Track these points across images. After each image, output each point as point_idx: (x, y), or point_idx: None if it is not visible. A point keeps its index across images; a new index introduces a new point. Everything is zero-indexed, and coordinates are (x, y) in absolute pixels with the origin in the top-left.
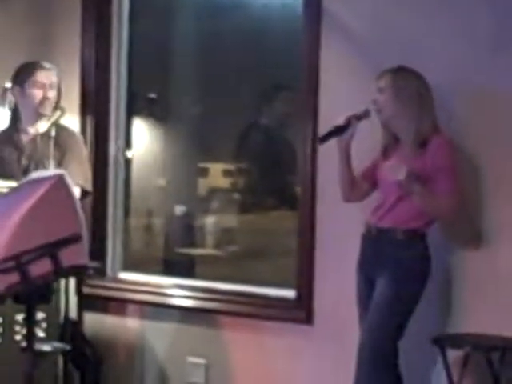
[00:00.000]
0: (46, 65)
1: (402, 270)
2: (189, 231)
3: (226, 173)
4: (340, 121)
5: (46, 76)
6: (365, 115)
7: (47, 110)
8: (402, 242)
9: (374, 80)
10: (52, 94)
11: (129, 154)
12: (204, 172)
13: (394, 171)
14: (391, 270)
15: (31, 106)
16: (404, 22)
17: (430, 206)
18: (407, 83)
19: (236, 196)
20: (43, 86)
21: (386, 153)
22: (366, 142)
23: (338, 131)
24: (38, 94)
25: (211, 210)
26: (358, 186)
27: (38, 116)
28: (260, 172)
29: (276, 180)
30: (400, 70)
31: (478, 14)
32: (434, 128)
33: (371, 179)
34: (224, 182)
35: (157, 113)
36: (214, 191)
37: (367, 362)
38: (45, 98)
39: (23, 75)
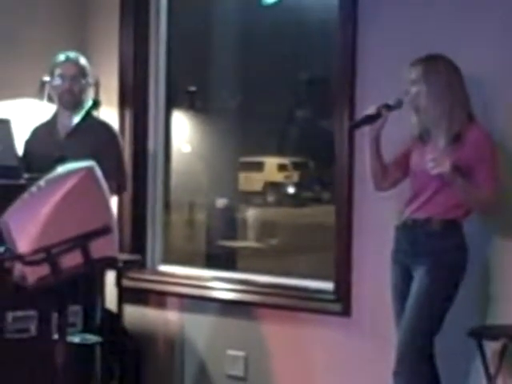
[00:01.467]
0: (69, 55)
1: (438, 261)
2: (230, 224)
3: (281, 167)
4: (371, 110)
5: (66, 67)
6: (397, 105)
7: (69, 101)
8: (438, 233)
9: (407, 69)
10: (73, 84)
11: (169, 147)
12: (260, 166)
13: (438, 163)
14: (427, 261)
15: (57, 98)
16: (440, 10)
17: (471, 198)
18: (439, 75)
19: (290, 190)
20: (64, 78)
21: (421, 141)
22: (395, 131)
23: (369, 120)
24: (59, 85)
25: (265, 204)
26: (390, 174)
27: (71, 108)
28: (310, 166)
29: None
30: (431, 61)
31: None
32: (468, 119)
33: (404, 167)
34: (279, 177)
35: (196, 106)
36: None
37: (407, 356)
38: (64, 90)
39: (51, 68)
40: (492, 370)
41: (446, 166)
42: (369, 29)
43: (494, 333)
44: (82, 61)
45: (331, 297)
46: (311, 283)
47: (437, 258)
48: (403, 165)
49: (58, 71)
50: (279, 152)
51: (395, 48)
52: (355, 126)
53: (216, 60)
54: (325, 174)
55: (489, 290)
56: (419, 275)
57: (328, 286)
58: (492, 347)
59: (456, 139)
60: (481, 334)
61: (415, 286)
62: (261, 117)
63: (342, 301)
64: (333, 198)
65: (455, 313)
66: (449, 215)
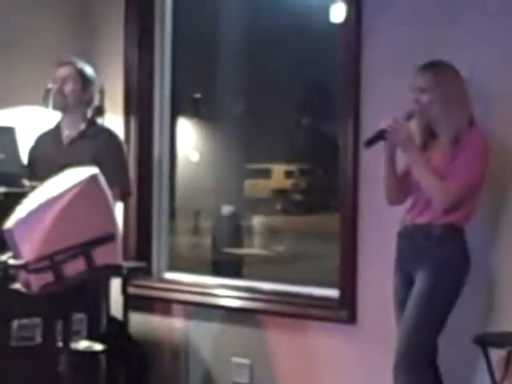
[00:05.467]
0: (66, 59)
1: (438, 265)
2: (236, 231)
3: (288, 174)
4: (383, 124)
5: (58, 70)
6: (408, 118)
7: (59, 102)
8: (439, 238)
9: (414, 77)
10: (65, 85)
11: (174, 154)
12: (266, 173)
13: (395, 132)
14: (428, 265)
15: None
16: (444, 18)
17: (424, 179)
18: (450, 82)
19: (297, 197)
20: (55, 80)
21: (425, 148)
22: None
23: (382, 135)
24: (52, 88)
25: (274, 211)
26: (403, 187)
27: (63, 110)
28: (317, 173)
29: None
30: (440, 68)
31: None
32: (469, 123)
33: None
34: (286, 184)
35: (202, 112)
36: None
37: (405, 357)
38: (55, 91)
39: (52, 74)
40: (497, 377)
41: (401, 136)
42: (373, 35)
43: (499, 340)
44: (80, 64)
45: (337, 304)
46: (317, 290)
47: (437, 262)
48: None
49: (53, 74)
50: (286, 159)
51: (400, 54)
52: (369, 143)
53: (221, 66)
54: (332, 181)
55: (493, 297)
56: (419, 280)
57: (333, 293)
58: (497, 354)
59: (456, 142)
60: (486, 341)
61: (414, 291)
62: (267, 123)
63: (347, 308)
64: (338, 206)
65: (461, 319)
66: (449, 218)
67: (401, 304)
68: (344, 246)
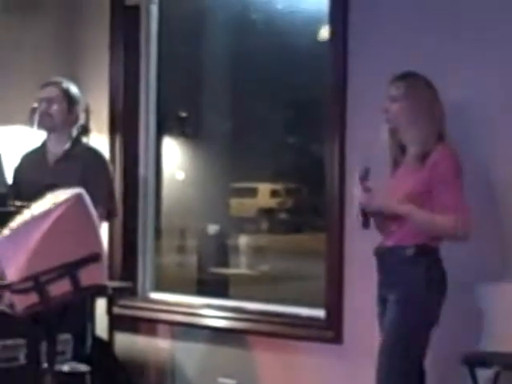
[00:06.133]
0: (53, 80)
1: (407, 290)
2: (222, 251)
3: (274, 193)
4: (357, 205)
5: (44, 90)
6: (366, 174)
7: (46, 123)
8: (409, 259)
9: (387, 86)
10: (52, 106)
11: (160, 173)
12: (252, 192)
13: (370, 200)
14: (397, 290)
15: (37, 121)
16: (431, 34)
17: (432, 226)
18: (420, 93)
19: (282, 216)
20: (42, 100)
21: (395, 165)
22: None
23: (365, 213)
24: (38, 108)
25: (260, 230)
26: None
27: (50, 131)
28: (303, 192)
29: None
30: (412, 78)
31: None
32: (439, 138)
33: None
34: (271, 202)
35: (187, 131)
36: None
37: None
38: (41, 112)
39: (37, 94)
40: None
41: (377, 202)
42: (360, 54)
43: (486, 360)
44: (66, 85)
45: (323, 324)
46: (303, 310)
47: (406, 286)
48: None
49: (39, 95)
50: (272, 178)
51: (388, 73)
52: (366, 227)
53: (207, 86)
54: (318, 200)
55: (480, 317)
56: (390, 305)
57: (320, 313)
58: (485, 375)
59: (425, 157)
60: (473, 361)
61: (386, 318)
62: (252, 142)
63: (333, 328)
64: (325, 225)
65: (446, 339)
66: (419, 240)
67: (381, 325)
68: (330, 266)
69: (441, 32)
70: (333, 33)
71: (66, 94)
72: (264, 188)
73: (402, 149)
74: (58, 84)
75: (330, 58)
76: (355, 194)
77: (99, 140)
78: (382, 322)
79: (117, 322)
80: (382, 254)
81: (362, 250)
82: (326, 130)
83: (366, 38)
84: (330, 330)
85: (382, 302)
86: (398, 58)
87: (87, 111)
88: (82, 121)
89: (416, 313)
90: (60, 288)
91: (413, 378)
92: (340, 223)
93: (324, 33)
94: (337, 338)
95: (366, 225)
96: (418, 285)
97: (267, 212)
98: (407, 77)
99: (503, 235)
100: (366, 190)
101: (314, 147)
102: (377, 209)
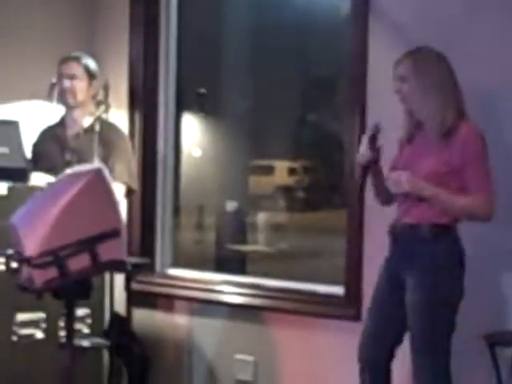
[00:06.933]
0: (73, 55)
1: (430, 270)
2: (240, 227)
3: (291, 171)
4: (362, 156)
5: (67, 67)
6: (376, 131)
7: (69, 100)
8: (427, 238)
9: (394, 66)
10: (74, 83)
11: (179, 150)
12: (270, 170)
13: (398, 183)
14: (419, 270)
15: (59, 97)
16: (452, 10)
17: (456, 207)
18: (429, 69)
19: (300, 194)
20: (64, 77)
21: (410, 140)
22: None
23: (367, 169)
24: (60, 84)
25: (277, 207)
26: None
27: (72, 107)
28: (321, 170)
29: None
30: (419, 54)
31: None
32: (459, 115)
33: None
34: (289, 180)
35: (207, 108)
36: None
37: (424, 369)
38: (64, 89)
39: (57, 69)
40: (504, 376)
41: (404, 186)
42: (380, 30)
43: (507, 339)
44: (86, 60)
45: (342, 301)
46: (321, 287)
47: (428, 265)
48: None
49: (59, 71)
50: (290, 156)
51: (407, 46)
52: (362, 185)
53: (227, 62)
54: (335, 177)
55: (503, 295)
56: (411, 286)
57: (339, 290)
58: (505, 353)
59: (447, 136)
60: (494, 339)
61: (409, 299)
62: (272, 119)
63: (352, 305)
64: (344, 202)
65: (467, 317)
66: (439, 220)
67: (379, 302)
68: (350, 243)
69: (465, 3)
70: (354, 7)
71: (87, 70)
72: (281, 166)
73: (419, 125)
74: (78, 59)
75: (350, 34)
76: (360, 152)
77: (118, 116)
78: (383, 295)
79: (135, 298)
80: (397, 232)
81: (381, 226)
82: (345, 107)
83: (386, 12)
84: (349, 308)
85: (393, 278)
86: (419, 32)
87: (106, 87)
88: (100, 96)
89: (441, 293)
90: (79, 263)
91: (449, 353)
92: (360, 200)
93: (345, 8)
94: (356, 316)
95: (363, 185)
96: (439, 265)
97: (285, 190)
98: (415, 53)
99: None
100: (374, 149)
101: (333, 124)
102: (408, 188)
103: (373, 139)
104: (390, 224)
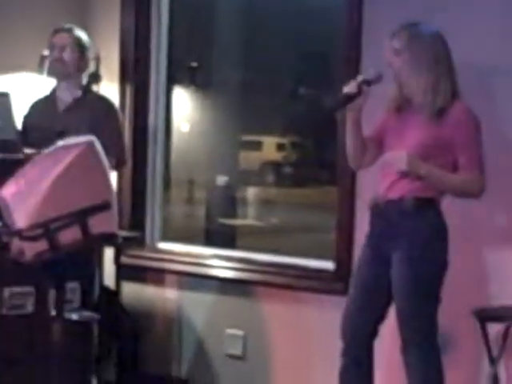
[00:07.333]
0: (65, 27)
1: (415, 245)
2: (230, 202)
3: (279, 146)
4: (350, 88)
5: (59, 37)
6: (377, 80)
7: (58, 70)
8: (410, 212)
9: (388, 39)
10: (66, 54)
11: (169, 123)
12: (258, 145)
13: (396, 161)
14: (404, 245)
15: (48, 68)
16: None
17: (449, 185)
18: (424, 45)
19: (287, 170)
20: (56, 48)
21: (399, 110)
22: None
23: (348, 100)
24: (50, 55)
25: (265, 182)
26: (369, 151)
27: (62, 78)
28: (310, 146)
29: (328, 154)
30: (416, 28)
31: None
32: (452, 94)
33: (381, 142)
34: (277, 156)
35: (198, 81)
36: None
37: (414, 343)
38: (54, 59)
39: (49, 40)
40: (495, 352)
41: (403, 163)
42: (376, 3)
43: (497, 314)
44: (78, 32)
45: (332, 276)
46: (311, 262)
47: (413, 240)
48: (381, 140)
49: (51, 42)
50: (279, 131)
51: (402, 21)
52: (335, 109)
53: (218, 36)
54: (325, 154)
55: (492, 270)
56: (398, 262)
57: (329, 265)
58: (495, 329)
59: (439, 114)
60: (484, 315)
61: (397, 276)
62: (262, 94)
63: (342, 280)
64: (333, 179)
65: (456, 293)
66: (423, 193)
67: (362, 277)
68: (341, 219)
69: None
70: None
71: (78, 41)
72: (269, 141)
73: (408, 100)
74: (69, 31)
75: (344, 7)
76: (350, 84)
77: (109, 88)
78: (367, 271)
79: (124, 272)
80: (380, 208)
81: None
82: (338, 82)
83: None
84: (339, 282)
85: (378, 253)
86: (414, 7)
87: (97, 59)
88: (92, 69)
89: (428, 265)
90: (70, 235)
91: (437, 326)
92: (351, 176)
93: None
94: (346, 290)
95: (336, 109)
96: (423, 238)
97: (272, 165)
98: (411, 27)
99: None
100: (363, 93)
101: (326, 100)
102: (405, 167)
103: (367, 84)
104: (372, 200)
